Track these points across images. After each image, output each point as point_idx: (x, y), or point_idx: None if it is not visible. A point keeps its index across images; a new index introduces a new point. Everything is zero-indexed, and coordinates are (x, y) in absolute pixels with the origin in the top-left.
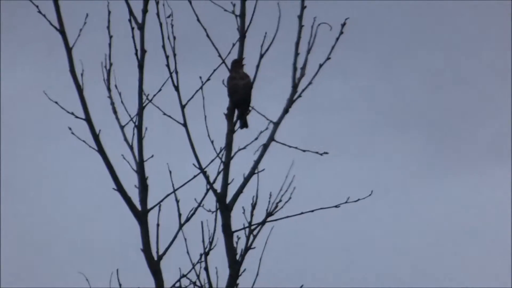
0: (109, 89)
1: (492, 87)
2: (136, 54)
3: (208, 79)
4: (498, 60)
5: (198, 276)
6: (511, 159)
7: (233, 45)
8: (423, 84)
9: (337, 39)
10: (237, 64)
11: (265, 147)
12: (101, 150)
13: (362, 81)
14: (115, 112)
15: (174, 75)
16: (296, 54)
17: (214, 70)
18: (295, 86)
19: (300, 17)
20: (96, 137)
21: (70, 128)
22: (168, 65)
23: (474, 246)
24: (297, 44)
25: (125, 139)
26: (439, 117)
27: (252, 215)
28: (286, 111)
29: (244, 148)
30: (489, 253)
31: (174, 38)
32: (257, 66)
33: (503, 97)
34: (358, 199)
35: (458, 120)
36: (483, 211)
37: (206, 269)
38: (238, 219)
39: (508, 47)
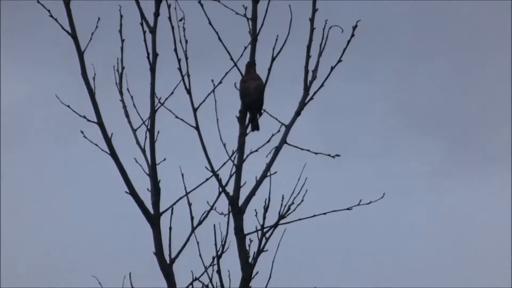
0: (121, 93)
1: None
2: (148, 57)
3: (220, 82)
4: None
5: (210, 279)
6: None
7: (245, 48)
8: (440, 87)
9: (349, 41)
10: (250, 66)
11: (277, 149)
12: (113, 154)
13: (378, 84)
14: (127, 115)
15: (186, 78)
16: (308, 56)
17: (226, 73)
18: (307, 89)
19: (312, 20)
20: (108, 140)
21: (82, 132)
22: (180, 68)
23: (492, 249)
24: (309, 47)
25: (137, 143)
26: (456, 120)
27: (264, 217)
28: (298, 113)
29: (256, 151)
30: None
31: (186, 41)
32: (269, 69)
33: None
34: (370, 202)
35: (476, 123)
36: (501, 215)
37: (219, 272)
38: (250, 222)
39: None
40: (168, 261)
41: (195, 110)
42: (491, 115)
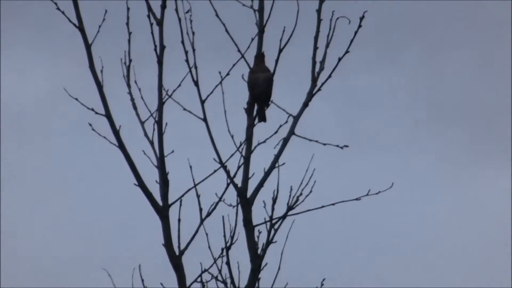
0: (128, 85)
1: None
2: (155, 50)
3: (228, 74)
4: None
5: (219, 270)
6: None
7: (252, 39)
8: (462, 78)
9: (356, 32)
10: (259, 58)
11: (285, 141)
12: (121, 146)
13: (399, 75)
14: (135, 108)
15: (193, 70)
16: (315, 48)
17: (234, 65)
18: (314, 80)
19: (319, 11)
20: (116, 133)
21: (90, 124)
22: (187, 61)
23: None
24: (316, 38)
25: (146, 135)
26: (477, 111)
27: (273, 209)
28: (306, 104)
29: (264, 142)
30: None
31: (193, 33)
32: (276, 61)
33: None
34: (379, 192)
35: (498, 114)
36: None
37: (228, 263)
38: (259, 213)
39: None
40: (177, 253)
41: (202, 102)
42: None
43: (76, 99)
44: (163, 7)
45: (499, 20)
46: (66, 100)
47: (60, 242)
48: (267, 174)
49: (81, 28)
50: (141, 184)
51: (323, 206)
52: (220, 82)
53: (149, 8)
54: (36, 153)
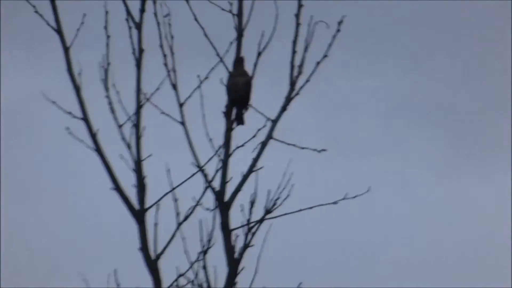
0: (106, 89)
1: None
2: (134, 53)
3: (206, 78)
4: None
5: (196, 275)
6: None
7: (231, 43)
8: (443, 84)
9: (334, 36)
10: (238, 62)
11: (263, 145)
12: (98, 150)
13: (381, 80)
14: (112, 111)
15: (172, 73)
16: (294, 52)
17: (212, 69)
18: (292, 84)
19: (297, 16)
20: (93, 136)
21: (68, 128)
22: (166, 64)
23: (493, 247)
24: (294, 42)
25: (123, 138)
26: (458, 117)
27: (250, 213)
28: (284, 108)
29: (242, 146)
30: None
31: (172, 37)
32: (255, 65)
33: None
34: (356, 196)
35: (478, 120)
36: (503, 213)
37: (205, 267)
38: (236, 217)
39: None
40: (153, 257)
41: (181, 106)
42: (494, 112)
43: (54, 102)
44: (142, 10)
45: (483, 26)
46: (44, 103)
47: (35, 245)
48: (245, 178)
49: (59, 31)
50: (117, 188)
51: (300, 210)
52: (199, 86)
53: (128, 12)
54: (13, 157)
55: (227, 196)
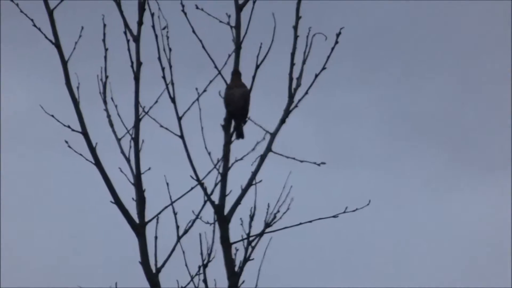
0: (105, 102)
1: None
2: (132, 66)
3: (205, 91)
4: None
5: None
6: None
7: (229, 56)
8: (440, 95)
9: (333, 48)
10: (235, 75)
11: (262, 158)
12: (98, 163)
13: (378, 92)
14: (111, 125)
15: (170, 86)
16: (292, 64)
17: (210, 82)
18: (291, 96)
19: (295, 28)
20: (92, 150)
21: (66, 142)
22: (164, 77)
23: (492, 256)
24: (293, 54)
25: (122, 152)
26: (456, 128)
27: (250, 226)
28: (282, 121)
29: (241, 159)
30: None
31: (170, 49)
32: (253, 77)
33: None
34: (356, 209)
35: (476, 131)
36: (501, 223)
37: (205, 281)
38: (236, 231)
39: None
40: (154, 271)
41: (179, 119)
42: (491, 123)
43: (52, 116)
44: (140, 23)
45: (480, 38)
46: (43, 117)
47: (35, 259)
48: (244, 191)
49: (57, 45)
50: (117, 201)
51: (300, 223)
52: (197, 99)
53: (126, 25)
54: (12, 171)
55: (226, 210)
